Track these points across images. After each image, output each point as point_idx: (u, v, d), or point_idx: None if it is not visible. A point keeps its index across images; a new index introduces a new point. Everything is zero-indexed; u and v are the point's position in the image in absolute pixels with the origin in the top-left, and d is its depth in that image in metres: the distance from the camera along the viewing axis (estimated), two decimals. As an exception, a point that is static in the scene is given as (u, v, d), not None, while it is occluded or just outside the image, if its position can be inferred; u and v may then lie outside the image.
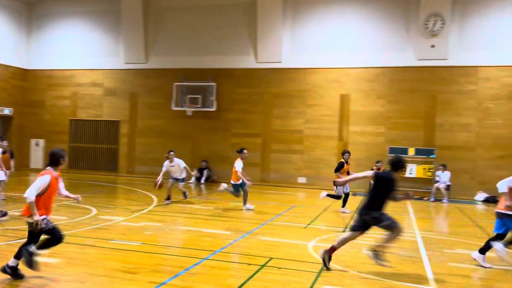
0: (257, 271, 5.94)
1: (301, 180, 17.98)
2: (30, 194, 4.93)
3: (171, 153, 12.19)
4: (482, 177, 15.92)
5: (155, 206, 11.40)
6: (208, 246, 7.35)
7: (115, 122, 20.44)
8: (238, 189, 11.25)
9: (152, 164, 19.54)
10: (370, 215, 5.99)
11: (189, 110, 18.76)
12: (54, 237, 5.18)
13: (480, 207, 14.37)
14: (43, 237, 5.25)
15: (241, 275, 5.74)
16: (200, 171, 18.28)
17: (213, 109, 18.57)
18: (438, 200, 15.15)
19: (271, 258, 6.62)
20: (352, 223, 6.40)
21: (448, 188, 15.26)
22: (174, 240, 7.91)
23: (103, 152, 20.72)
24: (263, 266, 6.20)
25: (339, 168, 11.32)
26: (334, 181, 11.46)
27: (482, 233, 9.58)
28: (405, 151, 16.33)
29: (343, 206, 11.56)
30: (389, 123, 17.05)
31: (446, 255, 7.41)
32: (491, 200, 15.20)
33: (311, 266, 6.29)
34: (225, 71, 18.86)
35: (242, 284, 5.39)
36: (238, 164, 11.12)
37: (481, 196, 15.59)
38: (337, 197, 11.50)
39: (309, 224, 9.73)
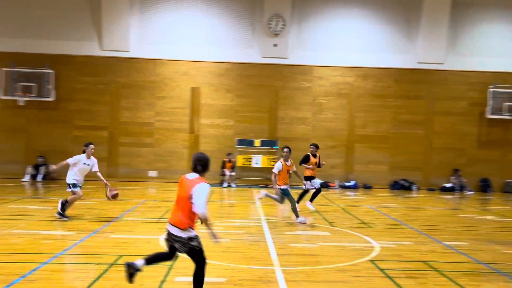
0: (106, 271, 5.65)
1: (152, 174, 17.62)
2: (204, 209, 4.39)
3: (91, 146, 9.10)
4: (317, 165, 17.82)
5: (-20, 209, 9.89)
6: (47, 249, 6.70)
7: None
8: (284, 195, 9.45)
9: (-25, 161, 16.95)
10: None
11: (21, 100, 16.66)
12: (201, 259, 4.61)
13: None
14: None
15: (88, 276, 5.39)
16: (36, 167, 16.52)
17: (51, 98, 16.85)
18: (280, 187, 16.45)
19: (121, 256, 6.36)
20: None
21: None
22: (5, 246, 6.98)
23: None
24: (112, 264, 5.93)
25: (305, 160, 10.91)
26: (304, 176, 10.99)
27: (317, 215, 10.75)
28: (251, 142, 17.33)
29: (311, 200, 11.01)
30: (237, 116, 17.82)
31: (288, 237, 8.12)
32: (324, 185, 17.13)
33: (164, 259, 6.24)
34: (64, 58, 17.25)
35: (90, 285, 5.07)
36: (276, 166, 9.44)
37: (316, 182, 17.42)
38: (305, 192, 10.96)
39: (161, 218, 9.61)
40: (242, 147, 17.40)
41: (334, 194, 15.54)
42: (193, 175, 4.61)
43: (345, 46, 17.92)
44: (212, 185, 16.33)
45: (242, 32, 17.74)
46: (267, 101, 17.90)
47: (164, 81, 17.66)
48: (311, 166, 10.99)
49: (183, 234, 4.45)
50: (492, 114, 17.54)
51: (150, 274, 5.59)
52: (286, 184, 9.45)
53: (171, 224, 4.54)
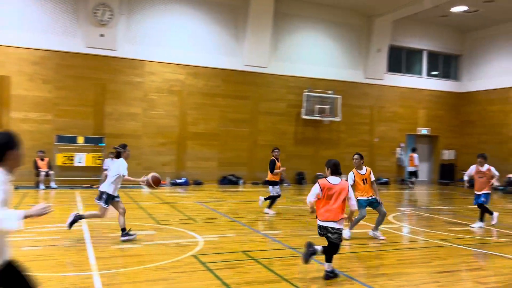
0: None
1: None
2: (355, 204, 5.72)
3: (128, 147, 7.98)
4: (147, 163, 17.40)
5: None
6: None
7: None
8: (364, 208, 8.22)
9: None
10: None
11: None
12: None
13: (145, 190, 15.66)
14: None
15: None
16: None
17: None
18: (107, 187, 15.54)
19: None
20: None
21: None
22: None
23: None
24: None
25: (273, 166, 11.02)
26: (266, 180, 11.30)
27: (144, 213, 10.48)
28: (74, 139, 15.98)
29: (270, 207, 11.07)
30: (56, 110, 16.18)
31: (110, 238, 7.69)
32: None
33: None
34: None
35: None
36: (349, 176, 8.27)
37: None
38: (275, 197, 11.12)
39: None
40: (63, 144, 15.89)
41: (165, 191, 15.41)
42: (336, 178, 5.64)
43: (177, 43, 17.93)
44: (26, 187, 14.54)
45: (63, 18, 16.18)
46: (92, 94, 16.71)
47: (-37, 66, 14.96)
48: (278, 170, 11.23)
49: (340, 226, 5.52)
50: (306, 115, 19.75)
51: None
52: (365, 196, 8.30)
53: (332, 221, 5.48)
